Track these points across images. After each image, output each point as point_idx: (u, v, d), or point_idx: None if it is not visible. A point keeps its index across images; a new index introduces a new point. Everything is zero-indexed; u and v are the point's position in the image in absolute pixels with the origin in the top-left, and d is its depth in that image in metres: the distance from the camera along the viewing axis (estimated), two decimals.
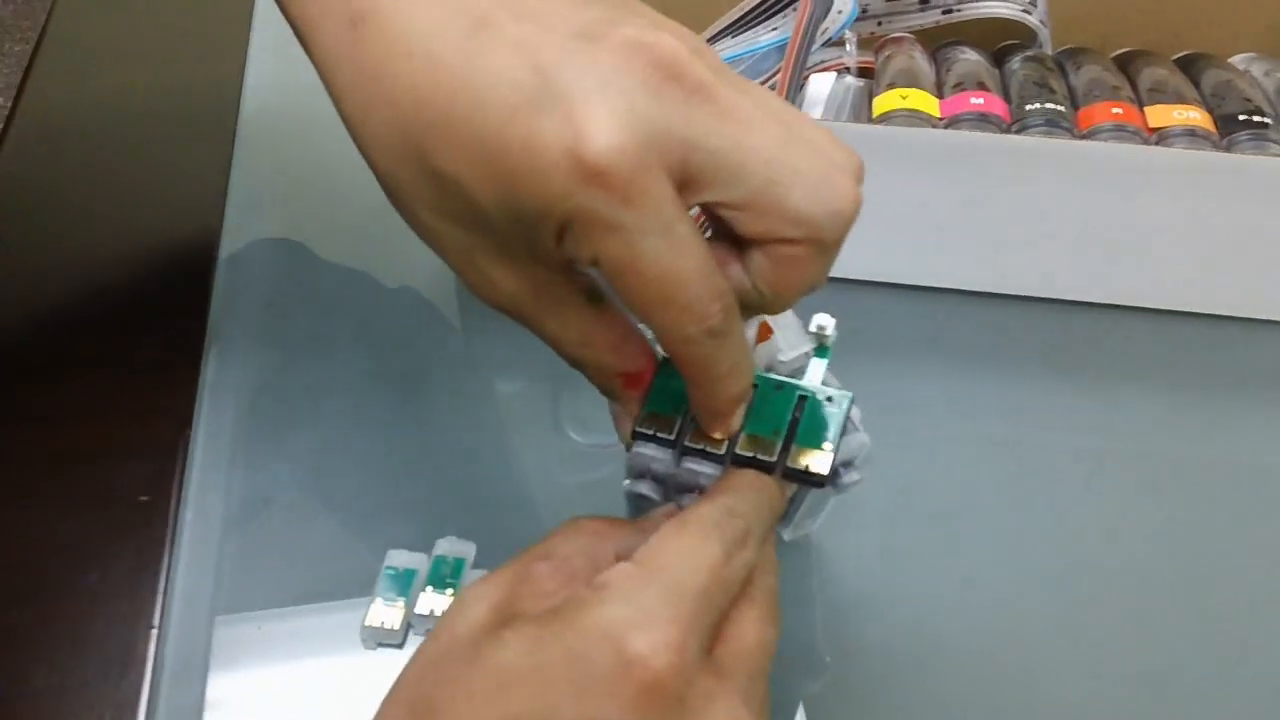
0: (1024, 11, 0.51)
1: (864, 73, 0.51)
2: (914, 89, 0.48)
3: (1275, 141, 0.46)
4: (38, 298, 0.47)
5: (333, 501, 0.41)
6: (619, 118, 0.26)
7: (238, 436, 0.43)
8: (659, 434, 0.32)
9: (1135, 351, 0.48)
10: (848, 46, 0.49)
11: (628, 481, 0.34)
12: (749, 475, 0.31)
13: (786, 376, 0.33)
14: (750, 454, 0.31)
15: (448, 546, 0.38)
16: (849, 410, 0.32)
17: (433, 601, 0.37)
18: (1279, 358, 0.48)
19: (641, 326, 0.32)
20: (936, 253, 0.48)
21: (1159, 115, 0.47)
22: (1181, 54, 0.53)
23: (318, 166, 0.52)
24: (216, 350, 0.45)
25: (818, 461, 0.31)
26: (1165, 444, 0.45)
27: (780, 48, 0.45)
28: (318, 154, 0.52)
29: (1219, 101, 0.48)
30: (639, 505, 0.34)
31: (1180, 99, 0.48)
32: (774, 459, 0.31)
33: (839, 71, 0.49)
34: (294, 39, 0.32)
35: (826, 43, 0.48)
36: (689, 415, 0.32)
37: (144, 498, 0.40)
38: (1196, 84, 0.50)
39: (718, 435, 0.32)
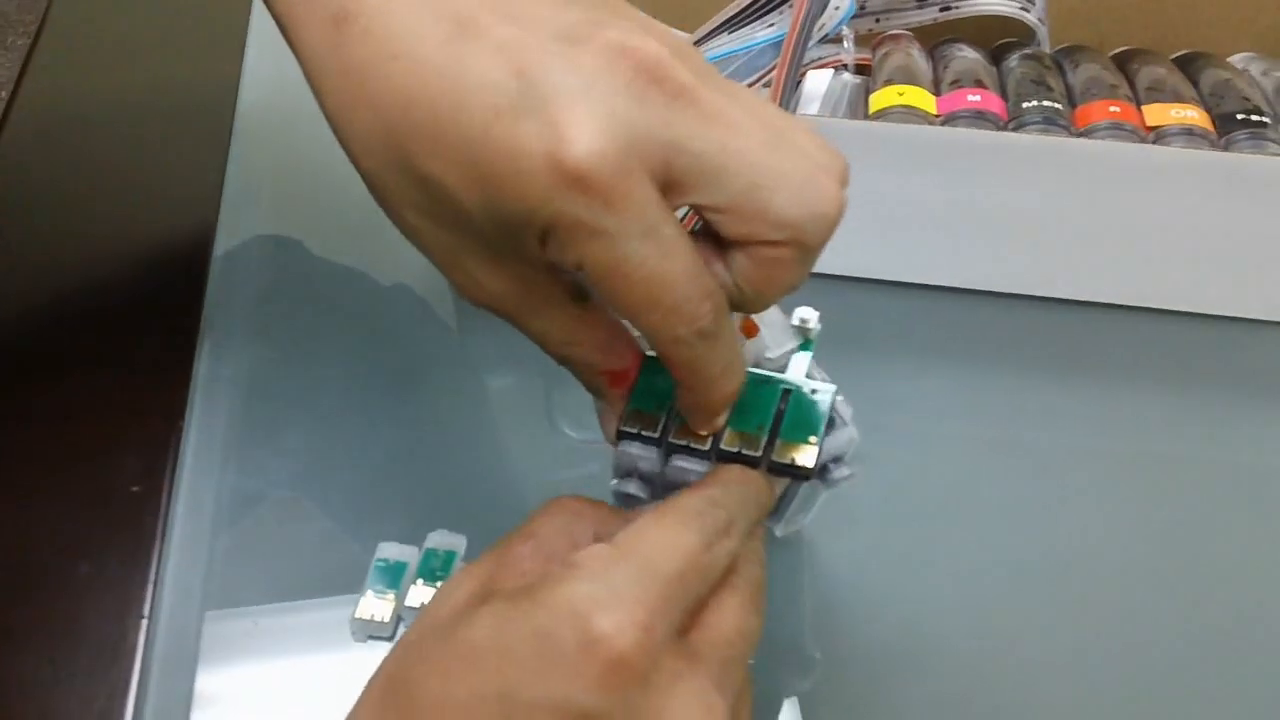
0: (1022, 9, 0.51)
1: (861, 69, 0.51)
2: (911, 86, 0.47)
3: (1273, 141, 0.46)
4: (31, 292, 0.47)
5: (325, 497, 0.41)
6: (599, 122, 0.26)
7: (230, 431, 0.43)
8: (643, 432, 0.32)
9: (1130, 350, 0.47)
10: (845, 43, 0.49)
11: (615, 481, 0.34)
12: (735, 469, 0.31)
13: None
14: (735, 449, 0.31)
15: (439, 540, 0.38)
16: (833, 403, 0.32)
17: (423, 594, 0.37)
18: (1279, 358, 0.47)
19: (630, 326, 0.32)
20: (932, 250, 0.47)
21: (1157, 114, 0.47)
22: (1180, 53, 0.53)
23: (314, 164, 0.52)
24: (210, 345, 0.45)
25: (804, 455, 0.31)
26: (1161, 443, 0.45)
27: (776, 44, 0.45)
28: (314, 151, 0.52)
29: (1217, 101, 0.48)
30: (628, 506, 0.34)
31: (1178, 98, 0.48)
32: (759, 454, 0.31)
33: (836, 68, 0.49)
34: None
35: (823, 39, 0.48)
36: (674, 412, 0.32)
37: (135, 488, 0.40)
38: (1195, 83, 0.50)
39: (704, 432, 0.32)
